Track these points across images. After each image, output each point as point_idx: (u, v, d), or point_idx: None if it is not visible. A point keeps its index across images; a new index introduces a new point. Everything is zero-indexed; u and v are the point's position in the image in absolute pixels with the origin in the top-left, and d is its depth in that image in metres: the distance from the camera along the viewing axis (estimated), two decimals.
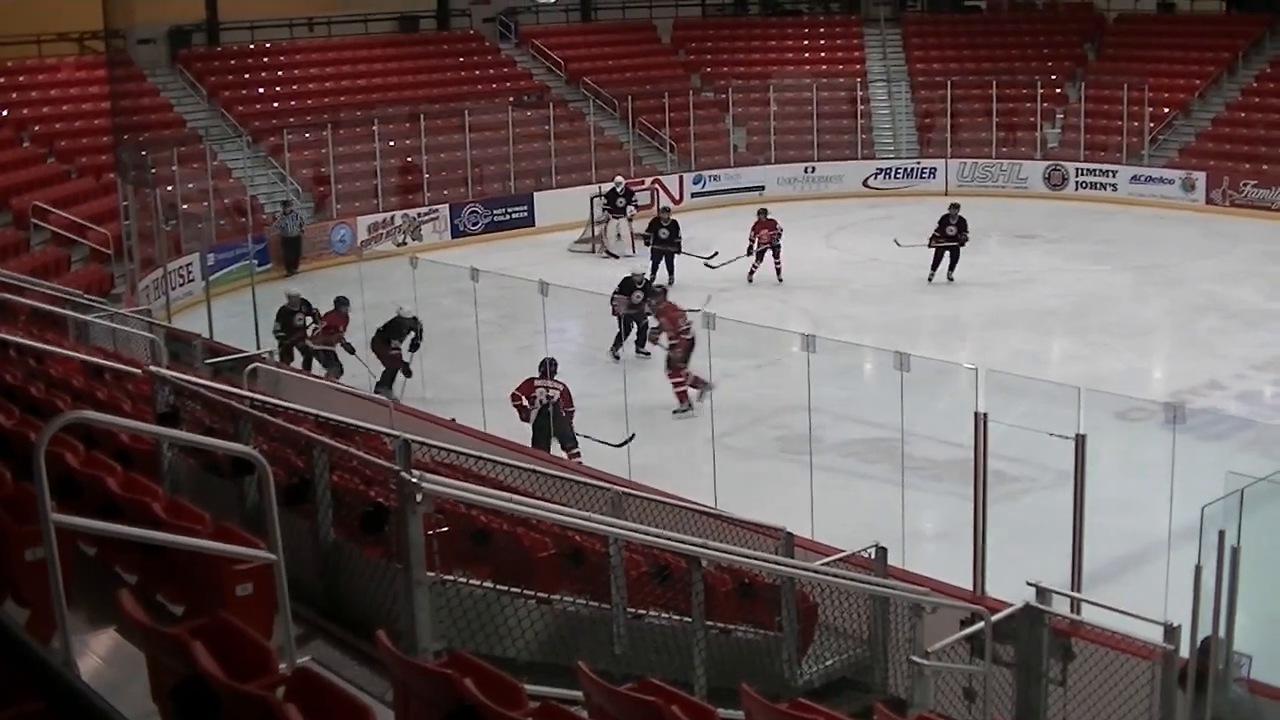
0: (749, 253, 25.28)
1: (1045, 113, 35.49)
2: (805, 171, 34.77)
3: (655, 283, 21.63)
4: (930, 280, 24.68)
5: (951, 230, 24.57)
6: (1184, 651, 8.20)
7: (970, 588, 10.78)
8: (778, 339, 16.94)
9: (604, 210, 28.71)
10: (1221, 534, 8.38)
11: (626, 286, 20.36)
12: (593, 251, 28.45)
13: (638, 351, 20.23)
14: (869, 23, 39.90)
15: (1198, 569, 8.34)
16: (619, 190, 28.64)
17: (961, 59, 37.85)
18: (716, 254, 25.23)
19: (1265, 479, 9.34)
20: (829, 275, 25.60)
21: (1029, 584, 8.85)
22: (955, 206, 25.12)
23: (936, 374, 15.23)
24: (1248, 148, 33.09)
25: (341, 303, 19.57)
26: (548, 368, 16.30)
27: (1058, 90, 36.09)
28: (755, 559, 8.41)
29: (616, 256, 27.59)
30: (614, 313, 20.22)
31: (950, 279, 24.65)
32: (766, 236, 25.27)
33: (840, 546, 10.29)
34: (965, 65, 37.24)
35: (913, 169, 35.23)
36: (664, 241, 24.83)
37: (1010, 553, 11.20)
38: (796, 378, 13.83)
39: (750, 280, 25.12)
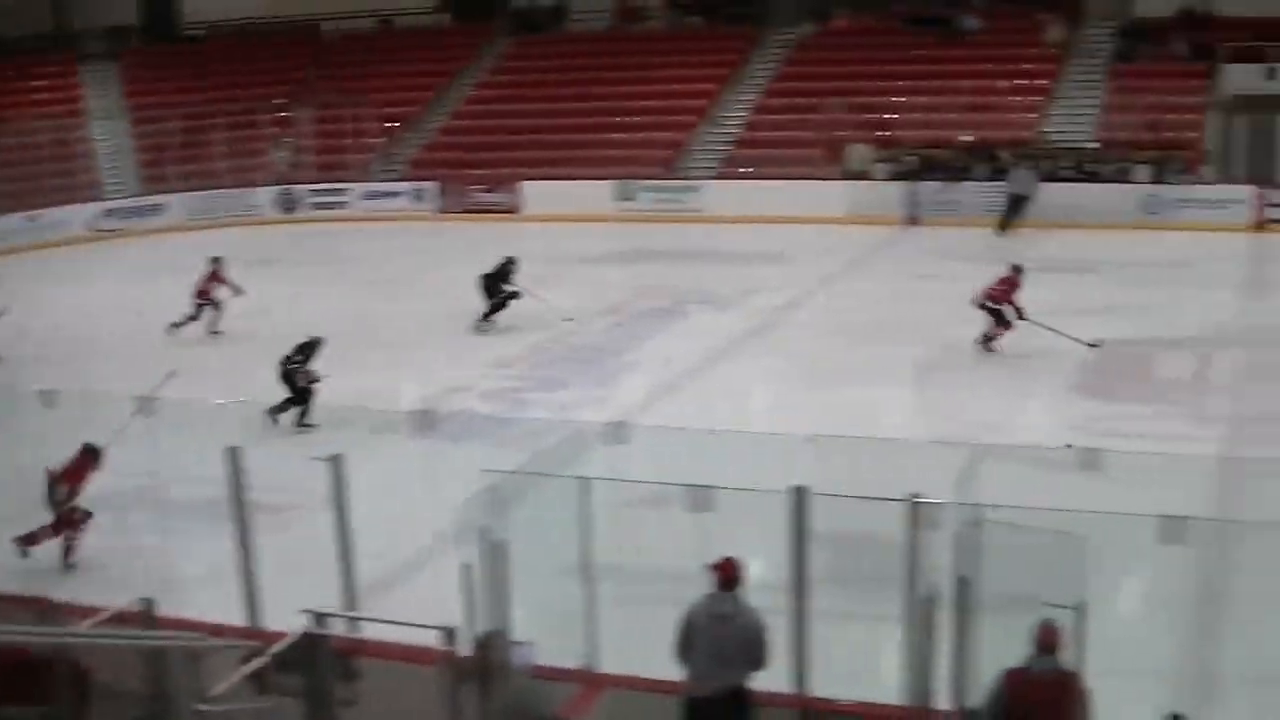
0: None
1: (271, 137, 35.56)
2: (28, 220, 32.40)
3: None
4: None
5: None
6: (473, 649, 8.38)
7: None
8: None
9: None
10: (483, 529, 8.64)
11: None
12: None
13: None
14: (85, 59, 38.25)
15: (465, 567, 8.54)
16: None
17: (187, 89, 37.25)
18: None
19: (515, 472, 9.75)
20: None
21: (303, 611, 8.71)
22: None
23: (193, 414, 14.55)
24: (472, 155, 34.93)
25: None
26: None
27: (284, 114, 36.26)
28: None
29: None
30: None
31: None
32: None
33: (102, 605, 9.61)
34: (191, 96, 36.69)
35: (143, 206, 34.09)
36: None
37: (288, 583, 10.92)
38: None
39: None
